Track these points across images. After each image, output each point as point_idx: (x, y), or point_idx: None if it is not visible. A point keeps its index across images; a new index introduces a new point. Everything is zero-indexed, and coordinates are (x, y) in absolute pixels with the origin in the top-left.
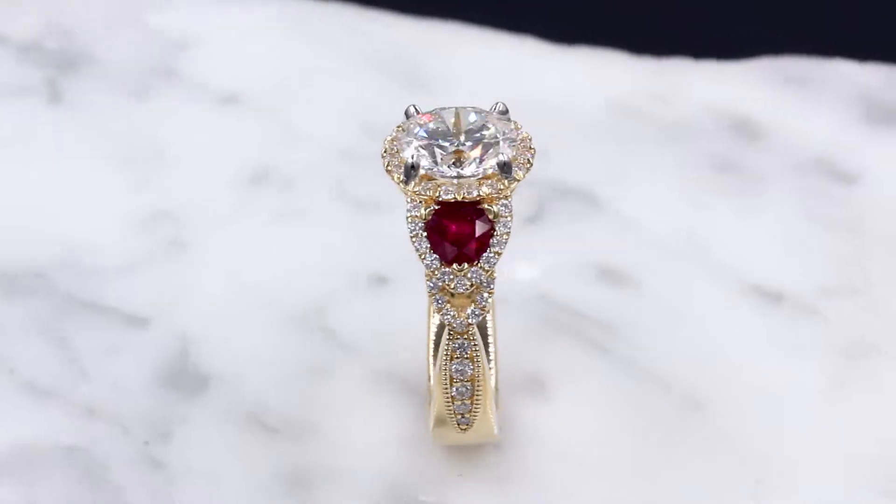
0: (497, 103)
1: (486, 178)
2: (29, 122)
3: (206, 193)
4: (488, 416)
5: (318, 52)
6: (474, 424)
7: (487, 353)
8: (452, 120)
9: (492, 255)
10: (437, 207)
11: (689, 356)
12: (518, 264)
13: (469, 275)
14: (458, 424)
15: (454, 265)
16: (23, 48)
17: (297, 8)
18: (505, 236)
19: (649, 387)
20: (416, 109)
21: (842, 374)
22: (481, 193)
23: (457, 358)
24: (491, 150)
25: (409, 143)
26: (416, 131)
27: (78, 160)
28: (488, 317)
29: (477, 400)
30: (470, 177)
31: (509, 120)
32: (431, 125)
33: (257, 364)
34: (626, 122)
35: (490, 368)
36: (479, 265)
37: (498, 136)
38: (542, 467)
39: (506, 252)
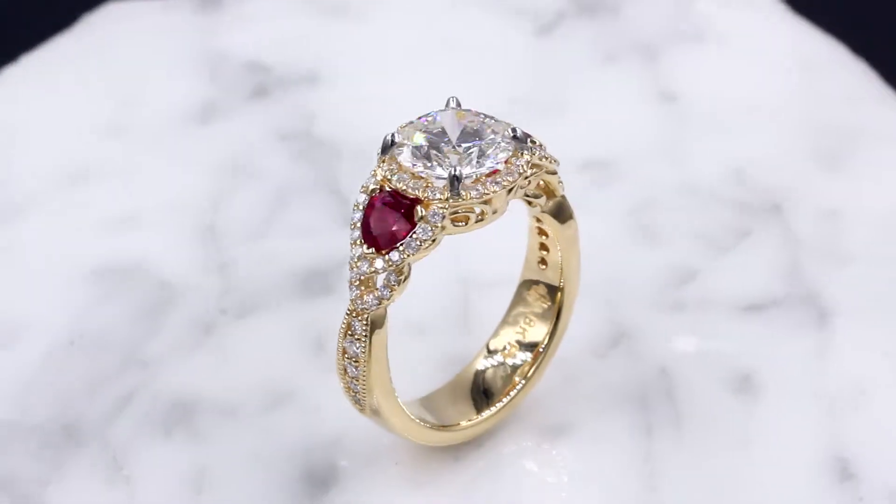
0: (451, 97)
1: (513, 156)
2: None
3: None
4: (397, 412)
5: None
6: (383, 416)
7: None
8: (440, 123)
9: (400, 252)
10: (388, 190)
11: None
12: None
13: (375, 262)
14: (354, 402)
15: (364, 246)
16: None
17: None
18: (424, 242)
19: None
20: (392, 137)
21: None
22: (519, 175)
23: (349, 335)
24: (491, 140)
25: (416, 156)
26: (416, 142)
27: None
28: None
29: (364, 384)
30: (500, 164)
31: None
32: (424, 136)
33: None
34: None
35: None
36: (385, 256)
37: (492, 139)
38: None
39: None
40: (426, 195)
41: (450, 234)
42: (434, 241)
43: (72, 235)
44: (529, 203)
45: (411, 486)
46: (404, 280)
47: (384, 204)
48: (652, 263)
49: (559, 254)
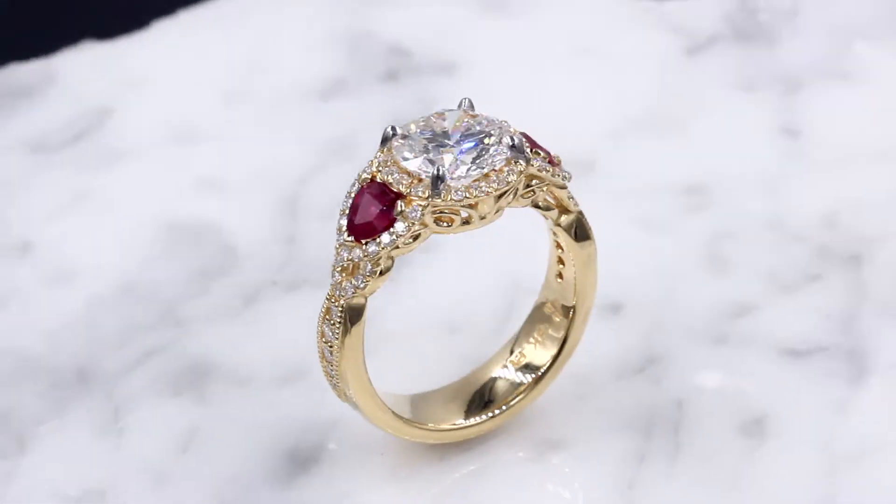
0: (464, 99)
1: (507, 163)
2: None
3: None
4: (368, 401)
5: None
6: (356, 403)
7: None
8: (445, 123)
9: (377, 245)
10: (378, 182)
11: None
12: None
13: (353, 251)
14: (332, 387)
15: (346, 234)
16: None
17: None
18: (400, 238)
19: None
20: (392, 130)
21: None
22: (510, 181)
23: (326, 318)
24: (493, 142)
25: (411, 151)
26: (410, 146)
27: None
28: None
29: (338, 369)
30: (488, 169)
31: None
32: (424, 135)
33: None
34: None
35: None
36: (363, 247)
37: (494, 128)
38: None
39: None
40: (409, 191)
41: (436, 232)
42: (416, 237)
43: (158, 190)
44: (543, 215)
45: (389, 479)
46: (381, 273)
47: (370, 195)
48: (711, 293)
49: (574, 271)
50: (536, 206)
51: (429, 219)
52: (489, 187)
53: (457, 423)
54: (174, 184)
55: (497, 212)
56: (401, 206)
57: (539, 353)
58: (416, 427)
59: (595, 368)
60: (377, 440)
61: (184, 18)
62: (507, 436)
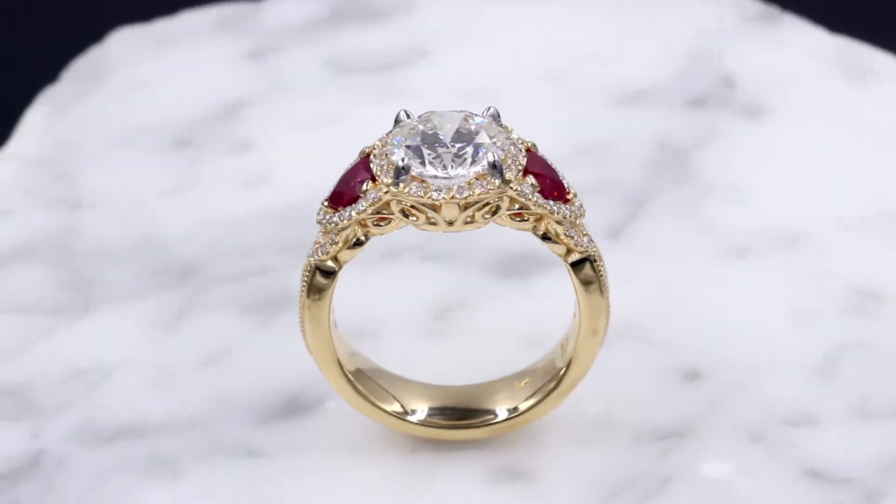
0: (489, 107)
1: (478, 177)
2: None
3: None
4: (322, 359)
5: None
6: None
7: None
8: (442, 123)
9: (339, 215)
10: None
11: None
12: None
13: (325, 213)
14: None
15: (327, 202)
16: None
17: None
18: (360, 215)
19: None
20: (406, 114)
21: None
22: (473, 194)
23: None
24: (481, 153)
25: (398, 147)
26: (406, 134)
27: None
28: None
29: (301, 324)
30: (460, 177)
31: (500, 125)
32: (421, 128)
33: None
34: None
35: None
36: (329, 213)
37: (488, 139)
38: None
39: None
40: (378, 175)
41: (413, 225)
42: (388, 222)
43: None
44: (549, 248)
45: (350, 453)
46: (353, 246)
47: (356, 169)
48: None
49: (578, 323)
50: (543, 238)
51: (395, 207)
52: (449, 194)
53: (406, 415)
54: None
55: (470, 223)
56: (367, 185)
57: (523, 393)
58: (361, 398)
59: (614, 414)
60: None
61: None
62: (482, 446)
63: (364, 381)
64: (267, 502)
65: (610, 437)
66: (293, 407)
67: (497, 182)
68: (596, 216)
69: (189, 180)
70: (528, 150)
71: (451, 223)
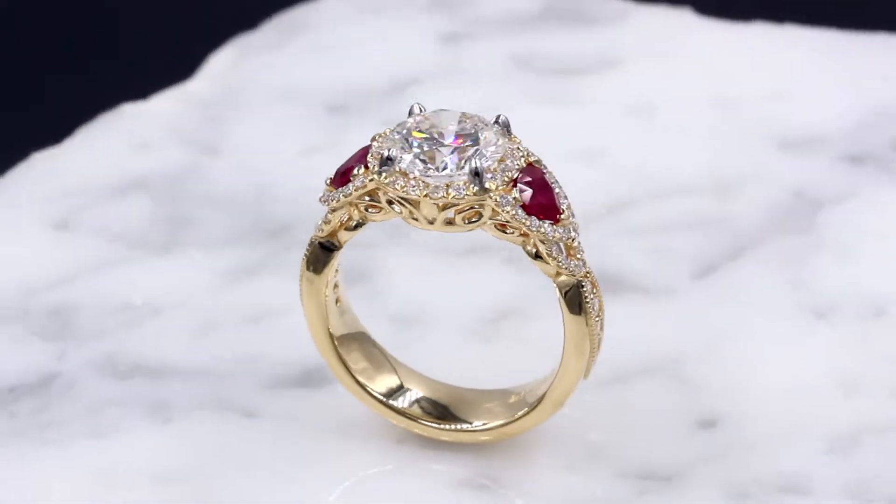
0: (499, 116)
1: (462, 182)
2: None
3: None
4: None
5: None
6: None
7: None
8: (446, 122)
9: (331, 194)
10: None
11: None
12: None
13: (326, 191)
14: None
15: (329, 181)
16: None
17: None
18: (348, 198)
19: None
20: (420, 108)
21: None
22: (447, 196)
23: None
24: (468, 157)
25: (394, 141)
26: (407, 128)
27: None
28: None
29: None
30: (441, 178)
31: (508, 134)
32: (425, 124)
33: None
34: None
35: None
36: (326, 192)
37: (484, 145)
38: None
39: None
40: (370, 162)
41: (400, 217)
42: (378, 209)
43: None
44: (538, 266)
45: (339, 434)
46: (339, 225)
47: (359, 154)
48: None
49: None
50: (532, 256)
51: (382, 196)
52: (424, 192)
53: (386, 395)
54: None
55: (450, 224)
56: (358, 170)
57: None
58: (354, 380)
59: (607, 458)
60: None
61: None
62: (466, 450)
63: (356, 361)
64: (235, 461)
65: (594, 467)
66: (305, 379)
67: (474, 188)
68: (695, 249)
69: (326, 146)
70: (529, 164)
71: (431, 222)
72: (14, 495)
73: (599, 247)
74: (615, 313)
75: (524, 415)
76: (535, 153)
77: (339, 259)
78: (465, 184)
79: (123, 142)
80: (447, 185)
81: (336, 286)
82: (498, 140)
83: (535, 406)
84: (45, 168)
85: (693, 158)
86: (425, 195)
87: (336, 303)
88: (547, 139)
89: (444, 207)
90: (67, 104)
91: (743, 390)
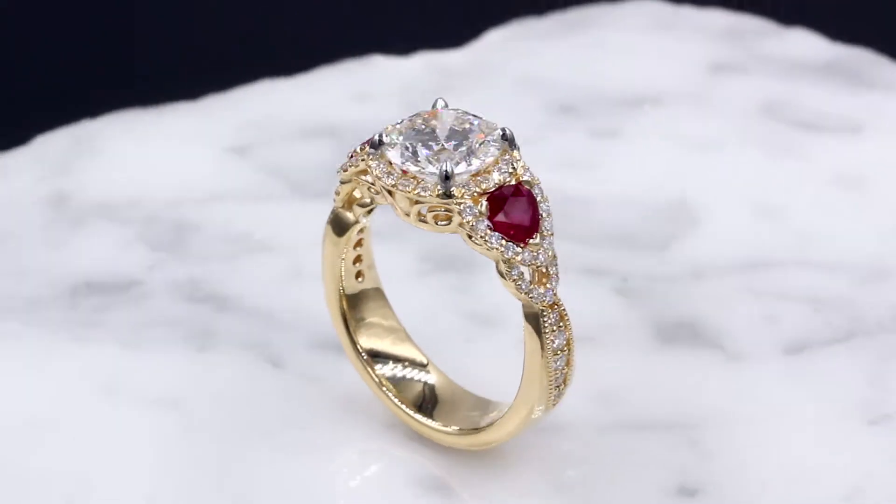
0: (504, 129)
1: (433, 182)
2: None
3: None
4: (328, 297)
5: None
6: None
7: None
8: (447, 122)
9: (341, 169)
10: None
11: None
12: None
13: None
14: None
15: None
16: None
17: None
18: (345, 174)
19: None
20: (444, 103)
21: None
22: (410, 191)
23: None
24: (446, 159)
25: (396, 130)
26: (413, 121)
27: None
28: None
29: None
30: (417, 174)
31: (511, 147)
32: (431, 121)
33: None
34: None
35: None
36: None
37: (473, 150)
38: None
39: None
40: (364, 149)
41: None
42: (374, 191)
43: None
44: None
45: (339, 407)
46: (346, 198)
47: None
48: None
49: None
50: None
51: (372, 179)
52: (392, 181)
53: (376, 373)
54: None
55: (422, 221)
56: (360, 149)
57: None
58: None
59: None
60: None
61: None
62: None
63: (363, 330)
64: (232, 402)
65: (555, 501)
66: (328, 341)
67: (439, 190)
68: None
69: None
70: (518, 182)
71: (407, 214)
72: (23, 385)
73: (713, 297)
74: (677, 363)
75: (470, 431)
76: (535, 174)
77: (367, 225)
78: (433, 184)
79: (347, 89)
80: (416, 181)
81: (360, 243)
82: (490, 150)
83: (484, 428)
84: (260, 95)
85: (867, 238)
86: (393, 185)
87: (355, 262)
88: (739, 183)
89: (415, 203)
90: (316, 43)
91: (742, 472)
